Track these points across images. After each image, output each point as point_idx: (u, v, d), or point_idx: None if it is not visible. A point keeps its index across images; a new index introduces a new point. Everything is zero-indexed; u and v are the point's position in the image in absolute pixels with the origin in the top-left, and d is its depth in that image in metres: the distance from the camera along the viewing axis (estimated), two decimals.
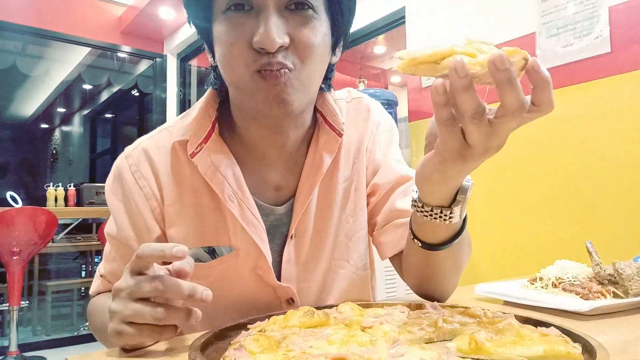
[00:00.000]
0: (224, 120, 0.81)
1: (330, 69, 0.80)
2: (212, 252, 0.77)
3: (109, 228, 0.81)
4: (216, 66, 0.76)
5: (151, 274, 0.56)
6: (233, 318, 0.76)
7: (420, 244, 0.68)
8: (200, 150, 0.75)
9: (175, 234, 0.77)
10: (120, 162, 0.80)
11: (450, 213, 0.61)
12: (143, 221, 0.78)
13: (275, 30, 0.65)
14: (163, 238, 0.79)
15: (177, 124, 0.81)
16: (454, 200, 0.61)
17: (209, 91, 0.81)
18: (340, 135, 0.81)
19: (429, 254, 0.69)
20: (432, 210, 0.62)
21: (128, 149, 0.81)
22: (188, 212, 0.77)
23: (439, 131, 0.52)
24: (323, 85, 0.81)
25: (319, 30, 0.70)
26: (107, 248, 0.82)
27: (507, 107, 0.47)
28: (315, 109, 0.83)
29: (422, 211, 0.63)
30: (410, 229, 0.69)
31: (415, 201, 0.64)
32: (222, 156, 0.77)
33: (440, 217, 0.62)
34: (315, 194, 0.80)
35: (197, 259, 0.76)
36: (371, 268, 0.90)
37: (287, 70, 0.67)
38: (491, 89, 0.49)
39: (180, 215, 0.77)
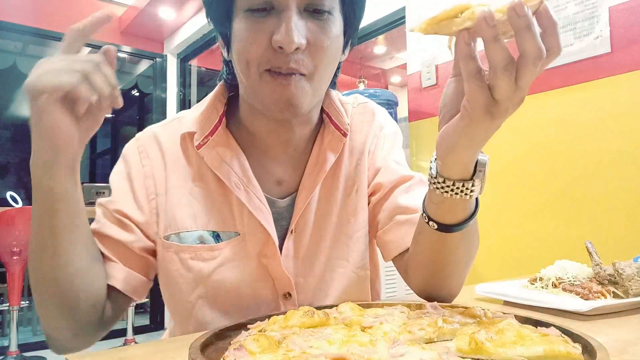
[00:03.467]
0: (233, 113, 0.83)
1: (337, 67, 0.81)
2: (216, 237, 0.78)
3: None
4: (229, 60, 0.78)
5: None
6: (228, 310, 0.77)
7: (436, 226, 0.67)
8: (206, 142, 0.78)
9: (182, 214, 0.78)
10: (129, 144, 0.84)
11: (472, 186, 0.61)
12: (134, 196, 0.78)
13: (296, 31, 0.66)
14: (144, 226, 0.77)
15: (188, 115, 0.83)
16: (474, 174, 0.61)
17: (219, 85, 0.84)
18: (344, 135, 0.83)
19: (443, 238, 0.68)
20: (453, 185, 0.61)
21: (139, 133, 0.85)
22: (195, 194, 0.79)
23: (467, 88, 0.53)
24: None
25: (334, 34, 0.72)
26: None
27: (527, 55, 0.49)
28: (322, 109, 0.84)
29: (442, 187, 0.62)
30: (425, 212, 0.68)
31: (435, 177, 0.63)
32: (228, 148, 0.79)
33: (462, 191, 0.61)
34: (317, 191, 0.82)
35: (202, 242, 0.78)
36: (375, 270, 0.90)
37: (299, 74, 0.69)
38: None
39: (187, 196, 0.79)
